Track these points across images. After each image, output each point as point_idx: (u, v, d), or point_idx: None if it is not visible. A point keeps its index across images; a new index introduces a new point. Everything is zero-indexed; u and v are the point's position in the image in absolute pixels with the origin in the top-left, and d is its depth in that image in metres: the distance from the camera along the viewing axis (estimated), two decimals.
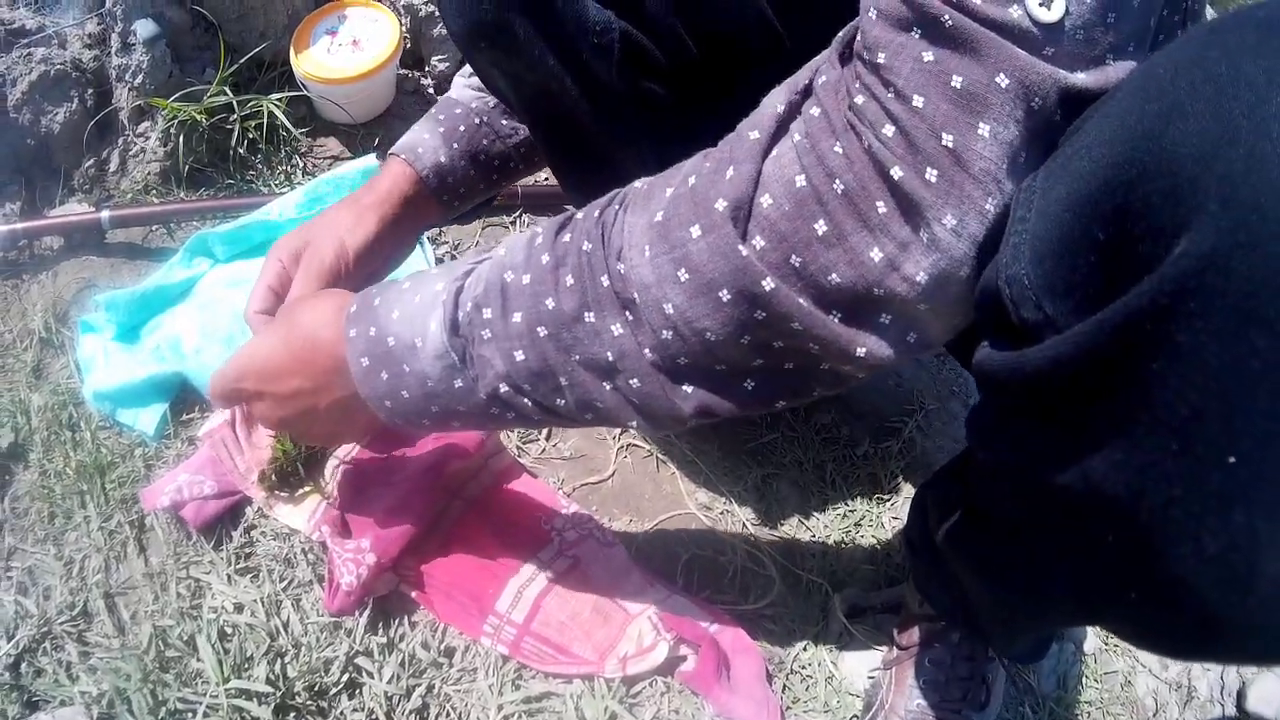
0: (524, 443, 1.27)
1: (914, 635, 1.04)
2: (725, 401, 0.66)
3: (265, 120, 1.45)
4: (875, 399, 1.37)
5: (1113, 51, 0.52)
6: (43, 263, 1.48)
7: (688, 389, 0.66)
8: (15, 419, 1.31)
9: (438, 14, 1.55)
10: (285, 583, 1.15)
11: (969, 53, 0.51)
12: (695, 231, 0.60)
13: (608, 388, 0.69)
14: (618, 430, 1.28)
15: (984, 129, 0.51)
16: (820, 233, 0.55)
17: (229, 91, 1.43)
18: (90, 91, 1.52)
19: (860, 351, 0.58)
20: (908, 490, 1.27)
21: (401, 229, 1.04)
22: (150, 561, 1.19)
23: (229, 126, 1.46)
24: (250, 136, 1.47)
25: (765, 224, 0.57)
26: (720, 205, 0.58)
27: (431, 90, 1.62)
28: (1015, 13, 0.50)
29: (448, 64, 1.59)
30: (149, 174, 1.47)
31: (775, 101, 0.61)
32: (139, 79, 1.47)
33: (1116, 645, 1.20)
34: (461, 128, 1.06)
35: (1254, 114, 0.39)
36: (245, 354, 0.89)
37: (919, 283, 0.55)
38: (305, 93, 1.50)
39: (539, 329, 0.68)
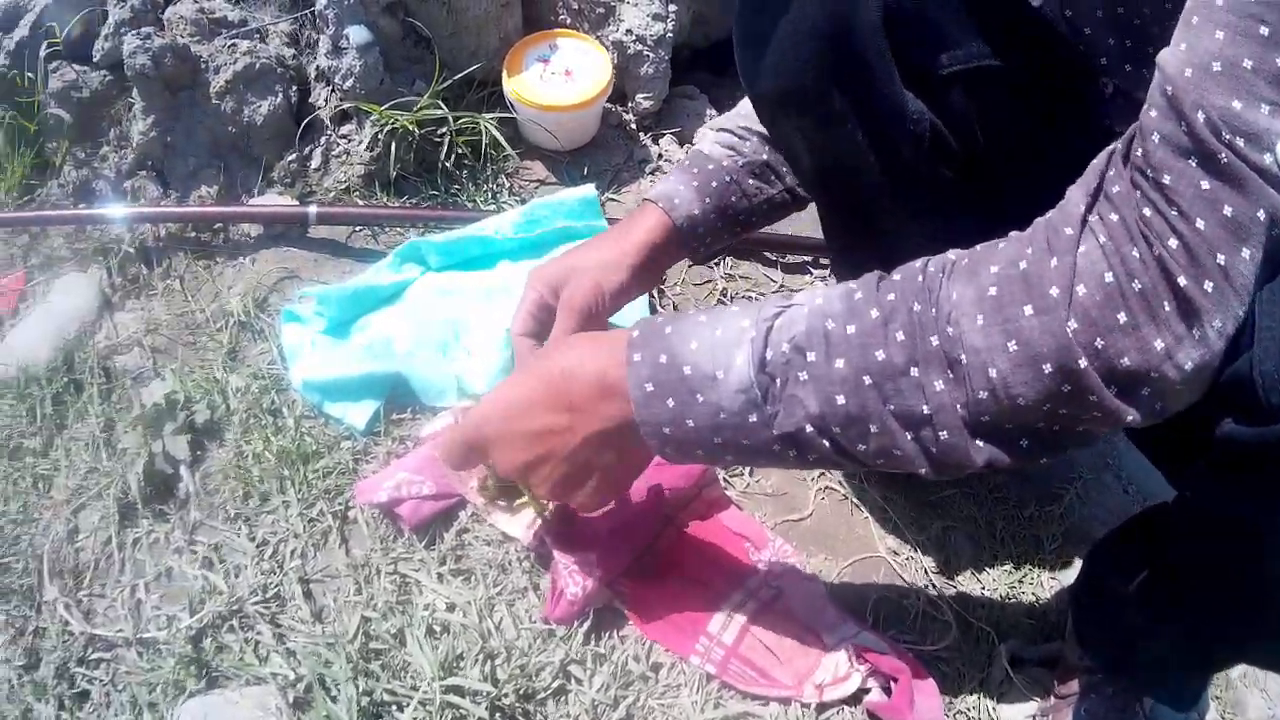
0: (731, 476, 1.33)
1: (1072, 686, 1.13)
2: (1006, 456, 0.75)
3: (482, 137, 1.51)
4: (1041, 467, 1.46)
5: None
6: (239, 248, 1.52)
7: (980, 444, 0.75)
8: (211, 397, 1.35)
9: (646, 53, 1.63)
10: (499, 588, 1.18)
11: (1237, 188, 0.63)
12: (1028, 310, 0.70)
13: (909, 437, 0.77)
14: (817, 473, 1.35)
15: (1245, 252, 0.64)
16: (1121, 322, 0.67)
17: (443, 105, 1.49)
18: (294, 88, 1.58)
19: (1128, 419, 0.70)
20: (1066, 553, 1.36)
21: (649, 273, 1.13)
22: (352, 553, 1.22)
23: (438, 139, 1.51)
24: (459, 151, 1.53)
25: (1080, 310, 0.68)
26: (1054, 291, 0.69)
27: (633, 125, 1.69)
28: (1268, 159, 0.63)
29: (651, 101, 1.67)
30: (352, 175, 1.53)
31: (1078, 202, 0.71)
32: (348, 82, 1.53)
33: None
34: (714, 184, 1.15)
35: None
36: (488, 400, 0.94)
37: (1186, 370, 0.67)
38: (513, 115, 1.56)
39: (864, 377, 0.75)
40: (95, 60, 1.64)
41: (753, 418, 0.78)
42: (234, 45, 1.57)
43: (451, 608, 1.16)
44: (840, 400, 0.75)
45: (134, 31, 1.53)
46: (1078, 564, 1.31)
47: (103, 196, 1.62)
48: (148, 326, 1.45)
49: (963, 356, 0.71)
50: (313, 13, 1.61)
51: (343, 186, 1.53)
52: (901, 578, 1.27)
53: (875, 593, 1.25)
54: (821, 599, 1.20)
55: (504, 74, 1.57)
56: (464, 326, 1.36)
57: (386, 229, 1.50)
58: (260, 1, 1.68)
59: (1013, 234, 0.74)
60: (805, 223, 1.62)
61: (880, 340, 0.74)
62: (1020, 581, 1.31)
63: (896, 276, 0.77)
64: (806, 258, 1.57)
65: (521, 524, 1.21)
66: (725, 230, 1.17)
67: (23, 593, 1.22)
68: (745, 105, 1.18)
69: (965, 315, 0.71)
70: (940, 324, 0.72)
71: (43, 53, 1.62)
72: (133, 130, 1.59)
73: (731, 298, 1.50)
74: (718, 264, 1.53)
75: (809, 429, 0.77)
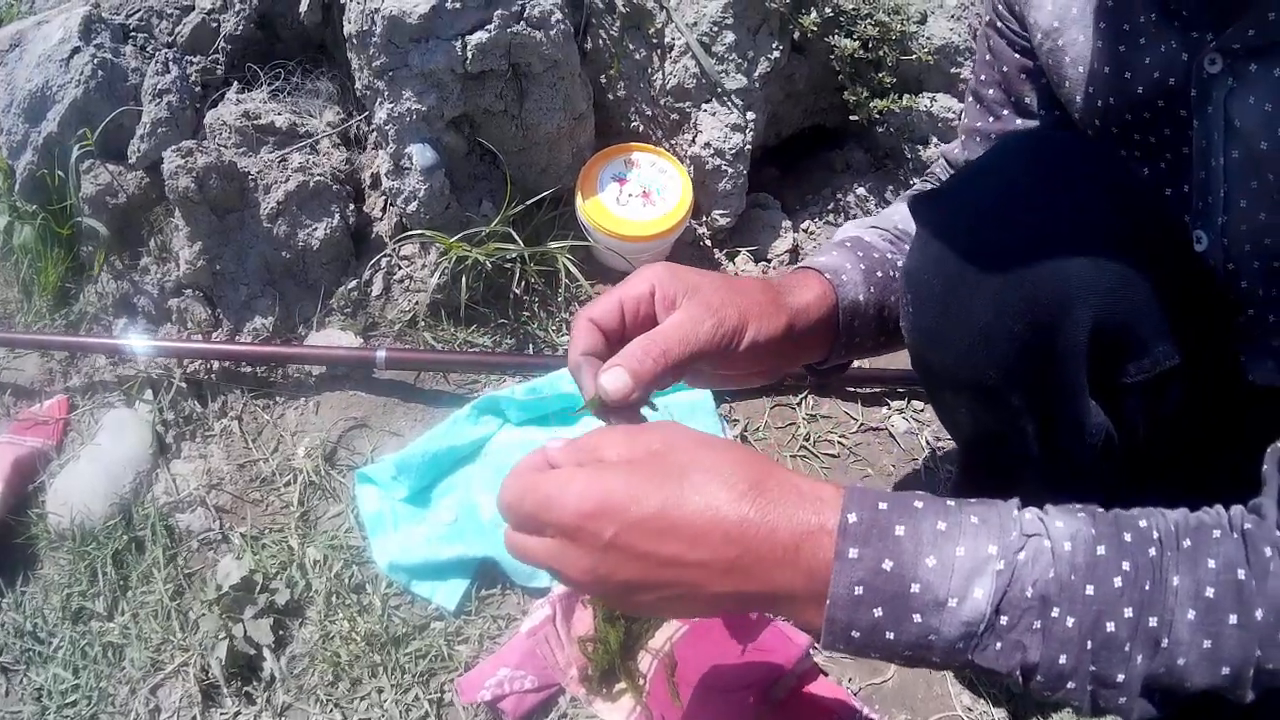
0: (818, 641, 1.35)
1: None
2: (1155, 712, 0.78)
3: (556, 266, 1.48)
4: None
5: None
6: (299, 388, 1.50)
7: (1143, 702, 0.77)
8: (289, 572, 1.36)
9: (724, 168, 1.59)
10: None
11: None
12: (1232, 620, 0.73)
13: (1090, 691, 0.78)
14: None
15: None
16: None
17: (515, 235, 1.45)
18: (350, 206, 1.53)
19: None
20: None
21: (789, 353, 0.95)
22: None
23: (508, 265, 1.48)
24: (530, 280, 1.49)
25: (1269, 634, 0.73)
26: (1258, 614, 0.73)
27: (708, 241, 1.66)
28: None
29: (728, 219, 1.65)
30: (417, 304, 1.49)
31: (1273, 520, 0.75)
32: (412, 206, 1.50)
33: None
34: (878, 274, 1.05)
35: None
36: (609, 485, 0.72)
37: None
38: (587, 240, 1.52)
39: (1088, 642, 0.77)
40: (131, 161, 1.58)
41: (960, 645, 0.75)
42: (284, 160, 1.51)
43: None
44: (1062, 660, 0.76)
45: (174, 149, 1.48)
46: None
47: (145, 313, 1.58)
48: (210, 481, 1.44)
49: (1165, 641, 0.74)
50: (367, 118, 1.55)
51: (408, 318, 1.51)
52: None
53: None
54: None
55: (578, 195, 1.52)
56: None
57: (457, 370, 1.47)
58: (307, 95, 1.61)
59: (1221, 521, 0.77)
60: None
61: (1113, 612, 0.76)
62: None
63: (1128, 538, 0.78)
64: (881, 389, 1.57)
65: (622, 711, 1.25)
66: (870, 338, 1.05)
67: None
68: (896, 210, 1.13)
69: (1180, 606, 0.74)
70: (1158, 608, 0.75)
71: (74, 154, 1.55)
72: (176, 246, 1.56)
73: (814, 441, 1.50)
74: (799, 404, 1.53)
75: (1015, 674, 0.77)
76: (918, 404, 1.56)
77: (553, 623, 1.27)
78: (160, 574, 1.36)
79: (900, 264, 1.04)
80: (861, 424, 1.53)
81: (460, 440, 1.40)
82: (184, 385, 1.51)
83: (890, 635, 0.75)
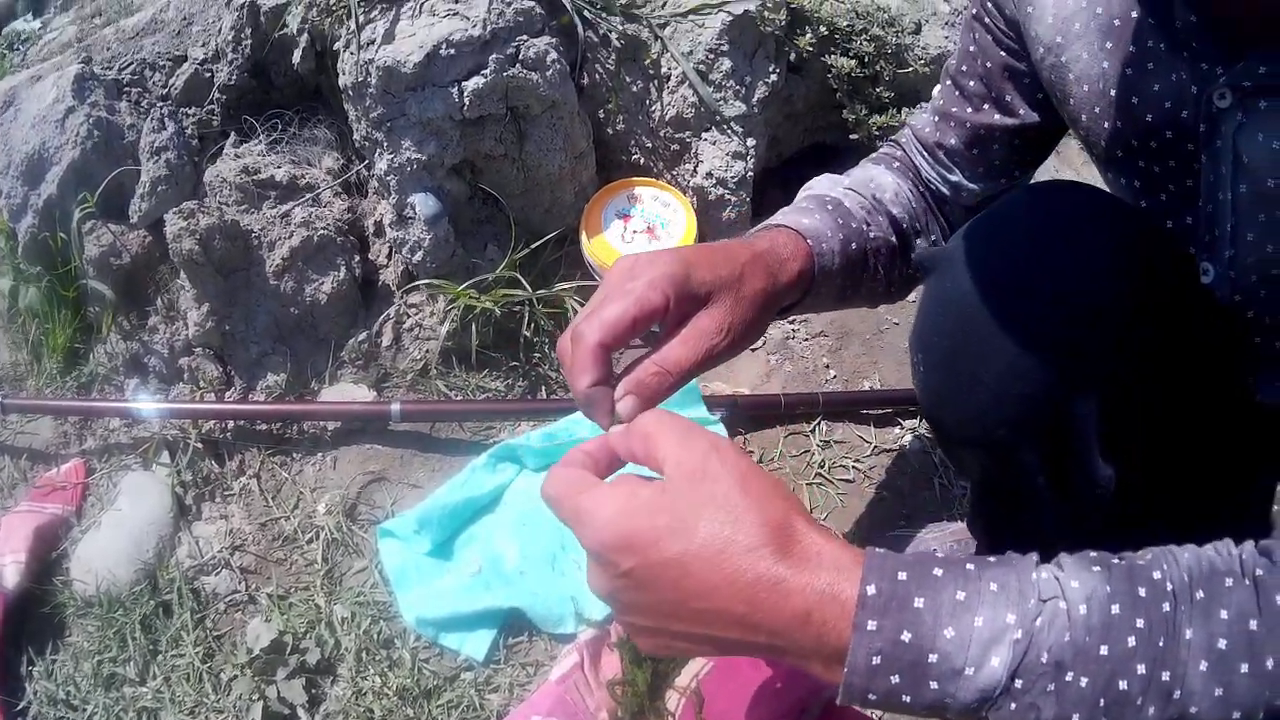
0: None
1: None
2: None
3: (564, 308, 1.50)
4: None
5: None
6: (316, 443, 1.53)
7: None
8: (318, 631, 1.39)
9: (727, 197, 1.61)
10: None
11: None
12: (1243, 669, 0.76)
13: None
14: None
15: None
16: None
17: (523, 280, 1.48)
18: (355, 257, 1.55)
19: None
20: None
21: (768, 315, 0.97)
22: None
23: (516, 308, 1.51)
24: (539, 322, 1.52)
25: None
26: (1269, 664, 0.75)
27: None
28: None
29: None
30: (428, 352, 1.52)
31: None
32: (417, 256, 1.52)
33: None
34: (853, 245, 1.07)
35: None
36: (636, 524, 0.73)
37: None
38: (595, 280, 1.55)
39: (1101, 700, 0.79)
40: (133, 220, 1.61)
41: (975, 705, 0.79)
42: (287, 217, 1.54)
43: None
44: (1075, 718, 0.79)
45: (175, 211, 1.51)
46: None
47: (156, 373, 1.61)
48: (233, 541, 1.47)
49: (1178, 693, 0.78)
50: (367, 165, 1.57)
51: (419, 366, 1.54)
52: None
53: None
54: None
55: (582, 234, 1.55)
56: (569, 536, 1.37)
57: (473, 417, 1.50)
58: (305, 143, 1.64)
59: (1233, 566, 0.80)
60: (888, 365, 1.64)
61: (1126, 670, 0.79)
62: None
63: (1143, 593, 0.81)
64: (893, 409, 1.61)
65: None
66: (831, 297, 1.08)
67: None
68: (870, 177, 1.15)
69: (1193, 659, 0.77)
70: (1171, 662, 0.78)
71: (76, 216, 1.58)
72: (183, 306, 1.60)
73: (829, 467, 1.53)
74: (813, 432, 1.56)
75: None
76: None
77: (581, 669, 1.31)
78: (190, 637, 1.40)
79: (873, 236, 1.07)
80: (875, 446, 1.57)
81: (478, 490, 1.43)
82: (200, 445, 1.54)
83: (907, 699, 0.79)
